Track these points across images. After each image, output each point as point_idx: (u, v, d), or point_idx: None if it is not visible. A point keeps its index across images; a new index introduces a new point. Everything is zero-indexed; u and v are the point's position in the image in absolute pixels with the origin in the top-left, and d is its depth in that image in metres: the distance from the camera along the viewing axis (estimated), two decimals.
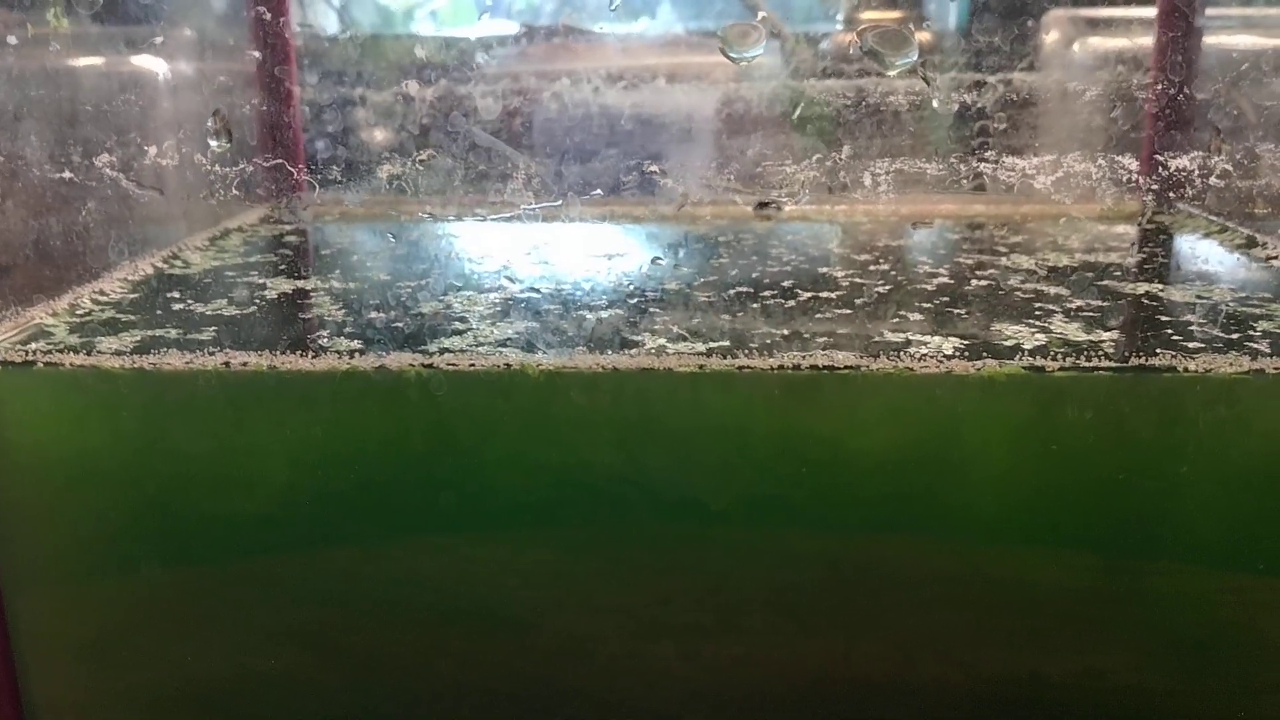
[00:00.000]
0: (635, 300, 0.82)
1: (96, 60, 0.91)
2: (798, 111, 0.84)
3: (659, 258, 0.90)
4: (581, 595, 0.74)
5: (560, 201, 0.75)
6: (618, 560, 0.73)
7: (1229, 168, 0.73)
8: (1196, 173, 0.73)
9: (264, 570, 0.75)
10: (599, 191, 0.81)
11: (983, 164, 0.84)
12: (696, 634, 0.74)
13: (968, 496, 0.71)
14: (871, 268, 0.90)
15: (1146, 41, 1.05)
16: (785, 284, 0.85)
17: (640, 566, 0.73)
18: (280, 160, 0.79)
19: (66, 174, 0.74)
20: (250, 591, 0.75)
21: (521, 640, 0.75)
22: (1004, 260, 0.92)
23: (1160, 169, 0.74)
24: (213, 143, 0.73)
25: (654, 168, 0.77)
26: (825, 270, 0.90)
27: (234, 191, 0.75)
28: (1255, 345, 0.70)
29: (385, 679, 0.76)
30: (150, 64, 0.96)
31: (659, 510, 0.72)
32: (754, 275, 0.88)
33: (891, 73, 0.69)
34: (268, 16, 1.01)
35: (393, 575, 0.74)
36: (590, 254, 0.94)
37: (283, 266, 0.94)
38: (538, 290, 0.84)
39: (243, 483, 0.73)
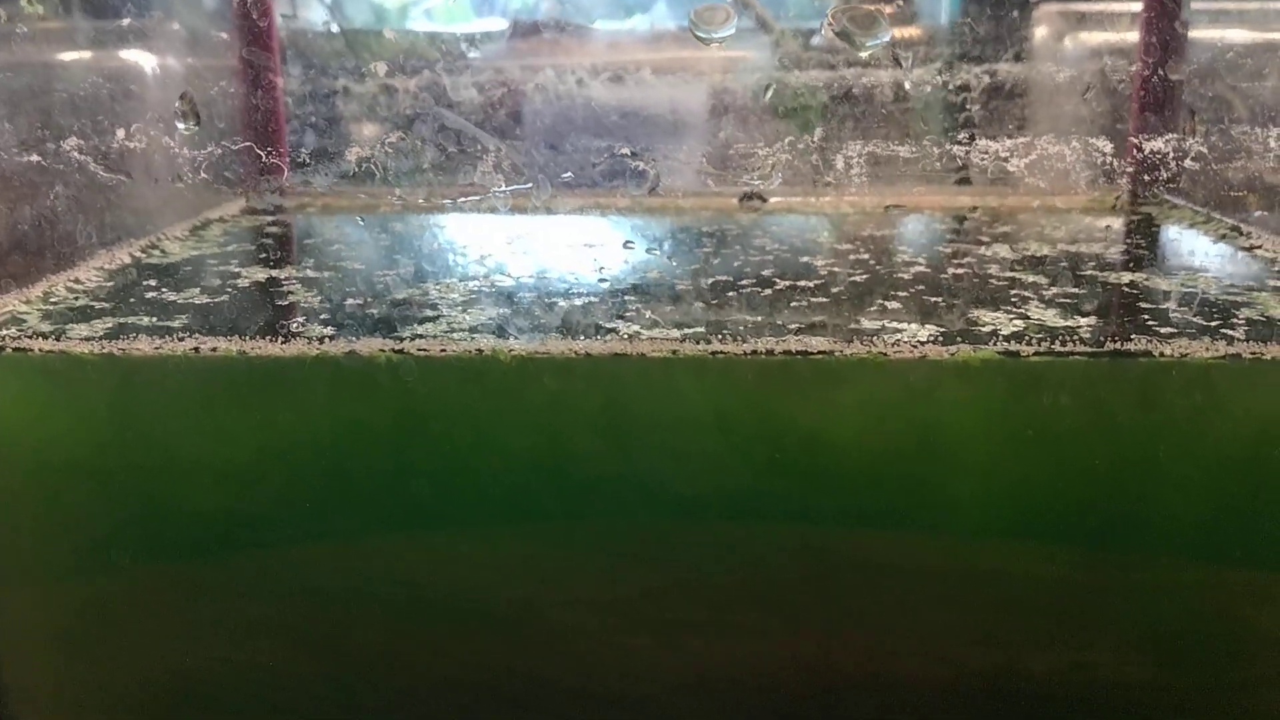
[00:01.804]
0: (612, 289, 0.82)
1: (79, 50, 0.91)
2: (769, 93, 0.83)
3: (630, 242, 0.90)
4: (557, 582, 0.73)
5: (531, 185, 0.74)
6: (594, 547, 0.73)
7: (1203, 149, 0.72)
8: (1172, 155, 0.72)
9: (238, 560, 0.74)
10: (569, 174, 0.81)
11: (966, 151, 0.83)
12: (677, 623, 0.73)
13: (946, 482, 0.70)
14: (852, 257, 0.90)
15: (1133, 37, 1.05)
16: (765, 273, 0.85)
17: (617, 552, 0.73)
18: (253, 144, 0.78)
19: (36, 158, 0.73)
20: (225, 581, 0.74)
21: (496, 630, 0.74)
22: (985, 250, 0.91)
23: (1137, 150, 0.73)
24: (180, 125, 0.73)
25: (625, 150, 0.76)
26: (807, 260, 0.90)
27: (203, 175, 0.75)
28: (1233, 333, 0.69)
29: (363, 671, 0.75)
30: (132, 53, 0.96)
31: (634, 496, 0.71)
32: (735, 265, 0.88)
33: (863, 53, 0.69)
34: (252, 10, 1.00)
35: (367, 567, 0.74)
36: (569, 245, 0.94)
37: (261, 256, 0.94)
38: (514, 279, 0.84)
39: (214, 470, 0.72)
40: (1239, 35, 1.05)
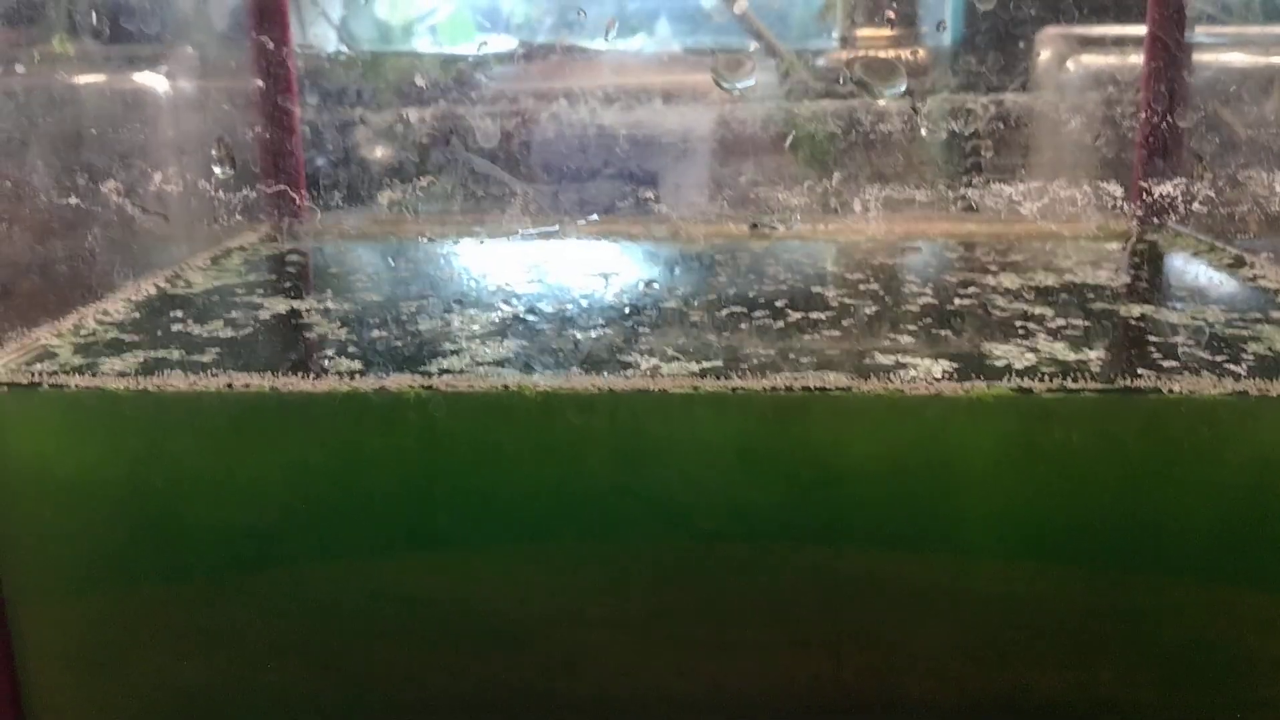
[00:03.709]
0: (631, 319, 0.83)
1: (100, 80, 0.93)
2: (789, 141, 0.85)
3: (652, 281, 0.91)
4: (577, 613, 0.75)
5: (556, 227, 0.76)
6: (613, 578, 0.74)
7: (1211, 194, 0.74)
8: (1180, 199, 0.74)
9: (263, 589, 0.76)
10: (595, 216, 0.83)
11: (974, 187, 0.85)
12: (694, 652, 0.75)
13: (960, 516, 0.72)
14: (862, 287, 0.92)
15: (1138, 60, 1.07)
16: (778, 304, 0.87)
17: (636, 585, 0.74)
18: (282, 186, 0.80)
19: (73, 199, 0.75)
20: (249, 610, 0.76)
21: (521, 661, 0.76)
22: (991, 280, 0.93)
23: (1145, 195, 0.75)
24: (216, 170, 0.75)
25: (649, 195, 0.78)
26: (819, 290, 0.91)
27: (237, 216, 0.77)
28: (1239, 368, 0.71)
29: (384, 697, 0.77)
30: (153, 83, 0.97)
31: (655, 529, 0.73)
32: (750, 295, 0.89)
33: (881, 101, 0.71)
34: (269, 43, 1.02)
35: (391, 594, 0.75)
36: (587, 273, 0.96)
37: (284, 286, 0.95)
38: (535, 312, 0.86)
39: (243, 502, 0.74)
40: (1239, 59, 1.06)
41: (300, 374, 0.72)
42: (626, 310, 0.86)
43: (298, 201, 0.82)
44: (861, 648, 0.74)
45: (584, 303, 0.88)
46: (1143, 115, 0.85)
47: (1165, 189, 0.76)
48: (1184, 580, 0.72)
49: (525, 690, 0.76)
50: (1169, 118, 0.82)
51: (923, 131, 0.79)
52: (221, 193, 0.76)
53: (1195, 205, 0.75)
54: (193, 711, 0.78)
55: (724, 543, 0.73)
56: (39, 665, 0.78)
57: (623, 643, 0.75)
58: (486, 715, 0.77)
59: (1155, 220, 0.99)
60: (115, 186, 0.74)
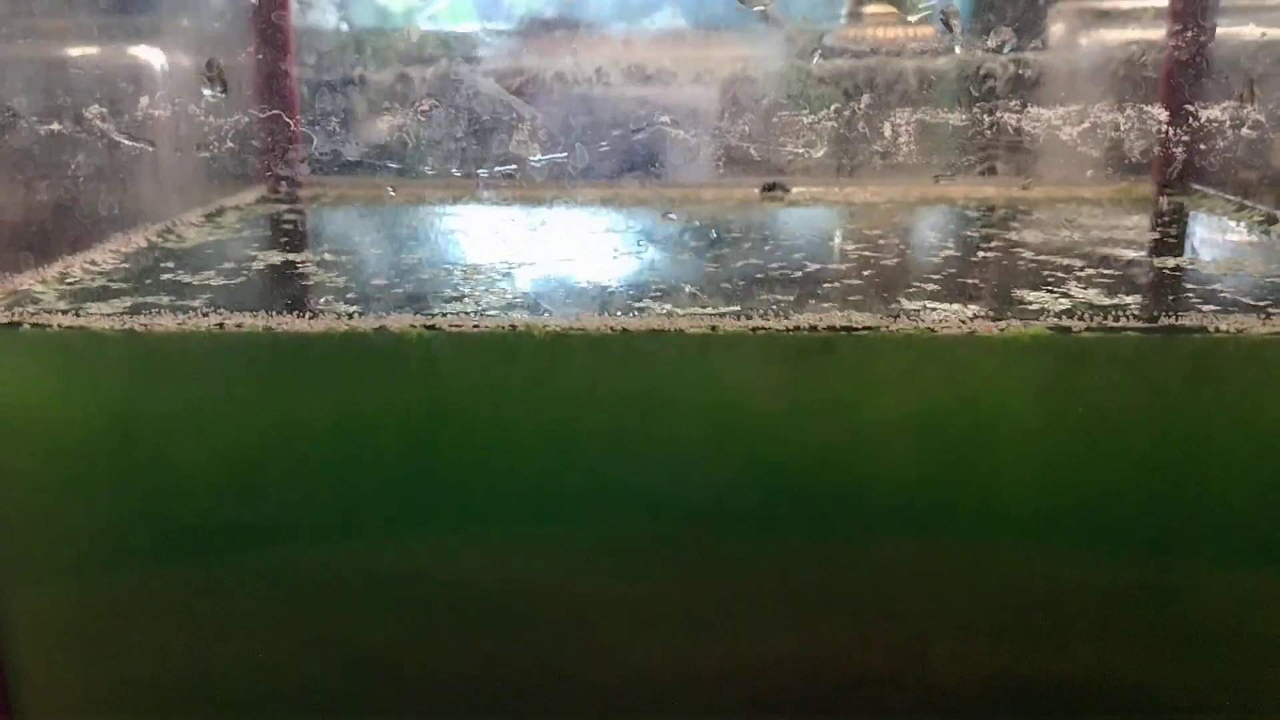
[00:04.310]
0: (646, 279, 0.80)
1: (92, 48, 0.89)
2: (815, 58, 0.81)
3: (669, 214, 0.88)
4: (584, 571, 0.71)
5: (566, 154, 0.72)
6: (621, 534, 0.71)
7: (1261, 119, 0.70)
8: (1229, 123, 0.71)
9: (256, 554, 0.72)
10: (605, 144, 0.79)
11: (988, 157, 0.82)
12: (708, 614, 0.71)
13: (991, 466, 0.69)
14: (881, 242, 0.88)
15: (1153, 34, 1.04)
16: (796, 256, 0.83)
17: (645, 540, 0.71)
18: (277, 112, 0.77)
19: (55, 126, 0.71)
20: (240, 577, 0.72)
21: (520, 624, 0.72)
22: (1014, 235, 0.90)
23: (1191, 119, 0.71)
24: (206, 91, 0.71)
25: (666, 118, 0.74)
26: (834, 244, 0.88)
27: (229, 144, 0.73)
28: None
29: (380, 669, 0.73)
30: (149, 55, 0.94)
31: (666, 480, 0.69)
32: (767, 249, 0.86)
33: (913, 17, 0.68)
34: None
35: (389, 553, 0.71)
36: (592, 249, 0.92)
37: (280, 240, 0.92)
38: (539, 273, 0.82)
39: (233, 455, 0.70)
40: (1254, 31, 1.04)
41: (296, 314, 0.68)
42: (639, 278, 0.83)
43: (292, 127, 0.78)
44: (883, 611, 0.71)
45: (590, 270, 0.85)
46: (1171, 46, 0.81)
47: (1205, 117, 0.72)
48: (1229, 538, 0.68)
49: (539, 660, 0.72)
50: (1199, 56, 0.78)
51: (956, 49, 0.75)
52: (213, 118, 0.73)
53: (1242, 132, 0.71)
54: (182, 689, 0.74)
55: (743, 496, 0.69)
56: (20, 632, 0.75)
57: (631, 604, 0.71)
58: (493, 688, 0.73)
59: (1181, 182, 0.96)
60: (99, 111, 0.71)
